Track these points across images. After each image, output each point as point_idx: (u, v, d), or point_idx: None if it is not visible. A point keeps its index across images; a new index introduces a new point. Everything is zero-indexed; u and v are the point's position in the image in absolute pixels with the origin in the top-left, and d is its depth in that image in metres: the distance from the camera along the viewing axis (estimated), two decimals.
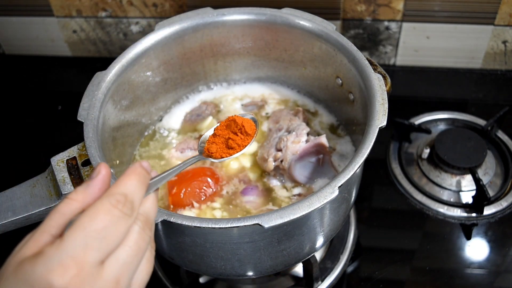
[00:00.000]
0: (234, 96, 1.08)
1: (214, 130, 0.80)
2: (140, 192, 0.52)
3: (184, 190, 0.89)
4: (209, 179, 0.91)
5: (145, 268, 0.53)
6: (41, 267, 0.44)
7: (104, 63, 0.90)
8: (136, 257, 0.50)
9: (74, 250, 0.45)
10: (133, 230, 0.50)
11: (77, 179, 0.77)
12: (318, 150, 0.90)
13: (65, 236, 0.46)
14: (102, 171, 0.52)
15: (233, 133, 0.78)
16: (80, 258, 0.45)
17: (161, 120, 1.05)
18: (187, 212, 0.89)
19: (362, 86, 0.84)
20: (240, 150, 0.77)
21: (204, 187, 0.90)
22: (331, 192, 0.68)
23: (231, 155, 0.77)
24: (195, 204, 0.89)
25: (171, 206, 0.89)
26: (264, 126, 1.02)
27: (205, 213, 0.89)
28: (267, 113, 1.05)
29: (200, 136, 1.01)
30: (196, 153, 0.99)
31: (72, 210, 0.49)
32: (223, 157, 0.77)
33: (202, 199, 0.90)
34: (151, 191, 0.56)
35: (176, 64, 1.01)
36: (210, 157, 0.77)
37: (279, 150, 0.91)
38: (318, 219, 0.77)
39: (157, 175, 0.59)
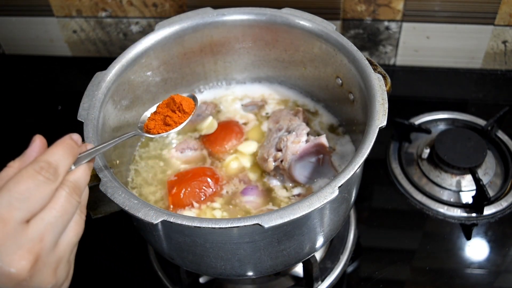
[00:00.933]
0: (234, 96, 1.08)
1: (156, 108, 0.81)
2: (66, 161, 0.57)
3: (184, 190, 0.89)
4: (209, 179, 0.91)
5: (74, 229, 0.56)
6: None
7: (104, 63, 0.90)
8: (61, 218, 0.54)
9: None
10: (60, 195, 0.54)
11: None
12: (318, 150, 0.90)
13: None
14: (37, 141, 0.58)
15: (171, 111, 0.80)
16: (4, 215, 0.49)
17: None
18: (187, 212, 0.89)
19: (362, 86, 0.84)
20: (176, 127, 0.79)
21: (204, 187, 0.90)
22: (331, 192, 0.68)
23: (167, 131, 0.79)
24: (195, 204, 0.89)
25: (171, 206, 0.89)
26: (264, 126, 1.02)
27: (205, 213, 0.89)
28: (267, 113, 1.05)
29: (200, 136, 1.01)
30: (196, 153, 0.99)
31: (8, 175, 0.53)
32: (159, 133, 0.79)
33: (202, 199, 0.90)
34: (83, 162, 0.61)
35: (176, 64, 1.01)
36: (148, 133, 0.79)
37: (279, 150, 0.91)
38: (318, 219, 0.77)
39: (92, 147, 0.64)
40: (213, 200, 0.90)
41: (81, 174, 0.59)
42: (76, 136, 0.61)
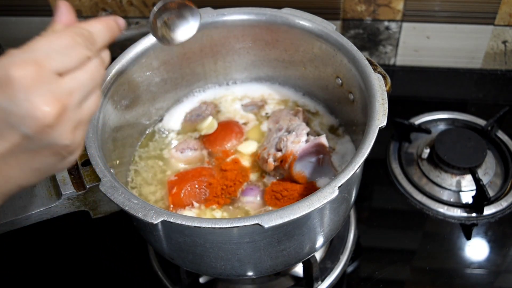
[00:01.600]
0: (234, 96, 1.08)
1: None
2: (105, 37, 0.58)
3: (184, 190, 0.89)
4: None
5: (95, 99, 0.57)
6: (4, 60, 0.49)
7: None
8: (90, 82, 0.55)
9: (37, 54, 0.51)
10: (92, 62, 0.55)
11: (77, 179, 0.77)
12: (318, 150, 0.90)
13: (30, 43, 0.52)
14: (63, 7, 0.59)
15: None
16: (41, 62, 0.50)
17: (161, 120, 1.05)
18: (187, 212, 0.89)
19: (362, 86, 0.84)
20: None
21: (204, 187, 0.90)
22: (331, 192, 0.68)
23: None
24: (195, 204, 0.89)
25: (171, 206, 0.89)
26: (264, 126, 1.02)
27: (204, 213, 0.89)
28: (267, 113, 1.05)
29: (200, 136, 1.01)
30: (196, 153, 0.99)
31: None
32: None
33: (203, 198, 0.90)
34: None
35: (176, 64, 1.00)
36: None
37: (279, 150, 0.91)
38: (318, 219, 0.77)
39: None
40: (212, 200, 0.90)
41: (108, 55, 0.60)
42: (121, 21, 0.62)
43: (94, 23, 0.58)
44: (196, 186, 0.90)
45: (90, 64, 0.55)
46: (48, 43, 0.52)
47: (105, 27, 0.59)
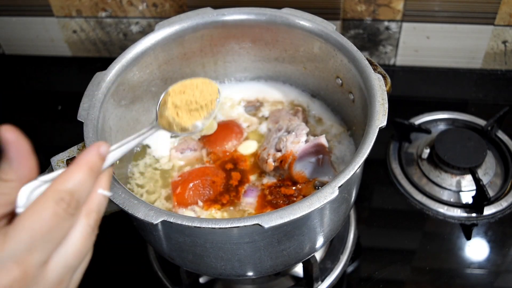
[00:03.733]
0: (234, 96, 1.08)
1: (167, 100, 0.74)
2: (88, 188, 0.50)
3: (188, 189, 0.89)
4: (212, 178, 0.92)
5: (84, 265, 0.52)
6: None
7: (104, 63, 0.90)
8: (81, 255, 0.50)
9: (18, 252, 0.45)
10: (78, 230, 0.49)
11: None
12: (318, 150, 0.90)
13: (9, 236, 0.45)
14: (9, 138, 0.48)
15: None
16: (24, 261, 0.45)
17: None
18: (188, 212, 0.89)
19: (362, 86, 0.84)
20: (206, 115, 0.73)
21: (208, 186, 0.90)
22: (331, 192, 0.68)
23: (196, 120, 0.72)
24: (200, 203, 0.89)
25: (175, 203, 0.89)
26: (264, 126, 1.02)
27: (204, 214, 0.89)
28: (266, 113, 1.05)
29: (200, 136, 1.01)
30: (196, 153, 0.99)
31: (10, 189, 0.48)
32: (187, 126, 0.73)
33: (207, 197, 0.90)
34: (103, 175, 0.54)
35: (176, 64, 1.00)
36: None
37: (279, 150, 0.91)
38: (318, 219, 0.77)
39: (113, 149, 0.57)
40: (216, 199, 0.90)
41: (102, 199, 0.53)
42: (104, 149, 0.53)
43: (75, 175, 0.49)
44: (200, 185, 0.90)
45: (77, 232, 0.49)
46: (28, 233, 0.45)
47: (87, 175, 0.50)
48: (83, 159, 0.51)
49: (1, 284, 0.43)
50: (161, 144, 1.00)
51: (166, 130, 0.72)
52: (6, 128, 0.48)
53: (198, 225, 0.66)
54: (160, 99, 0.74)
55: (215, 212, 0.88)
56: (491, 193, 1.08)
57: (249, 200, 0.90)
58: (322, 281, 0.98)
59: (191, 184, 0.90)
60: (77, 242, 0.49)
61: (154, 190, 0.93)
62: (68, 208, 0.47)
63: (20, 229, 0.45)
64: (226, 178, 0.93)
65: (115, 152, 0.58)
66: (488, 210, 1.07)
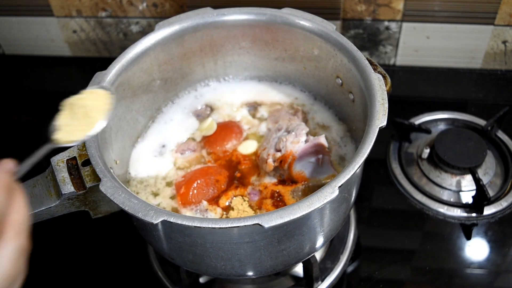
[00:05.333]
0: (234, 96, 1.08)
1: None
2: (3, 204, 0.49)
3: (192, 189, 0.89)
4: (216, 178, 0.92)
5: (18, 285, 0.50)
6: None
7: (104, 63, 0.90)
8: (12, 278, 0.48)
9: None
10: (6, 254, 0.48)
11: (77, 179, 0.77)
12: (318, 150, 0.90)
13: None
14: None
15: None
16: None
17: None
18: (188, 212, 0.89)
19: (362, 86, 0.84)
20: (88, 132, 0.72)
21: (211, 185, 0.90)
22: (331, 192, 0.68)
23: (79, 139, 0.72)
24: (204, 202, 0.89)
25: (180, 203, 0.89)
26: (263, 126, 1.02)
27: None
28: (266, 113, 1.05)
29: (204, 137, 1.01)
30: (196, 153, 0.99)
31: None
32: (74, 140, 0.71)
33: (211, 196, 0.90)
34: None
35: (176, 64, 1.00)
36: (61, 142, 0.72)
37: (279, 150, 0.91)
38: (318, 219, 0.77)
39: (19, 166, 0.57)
40: (219, 197, 0.90)
41: (26, 216, 0.51)
42: (10, 165, 0.54)
43: None
44: (204, 184, 0.90)
45: (4, 259, 0.48)
46: None
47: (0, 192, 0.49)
48: None
49: None
50: (142, 166, 0.97)
51: (58, 145, 0.71)
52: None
53: (198, 225, 0.66)
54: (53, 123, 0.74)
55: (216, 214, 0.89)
56: (491, 193, 1.08)
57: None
58: (322, 281, 0.98)
59: (195, 184, 0.90)
60: (8, 266, 0.48)
61: (157, 192, 0.93)
62: None
63: None
64: (229, 177, 0.93)
65: (22, 168, 0.59)
66: (488, 210, 1.07)
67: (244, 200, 0.89)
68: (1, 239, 0.48)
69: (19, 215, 0.51)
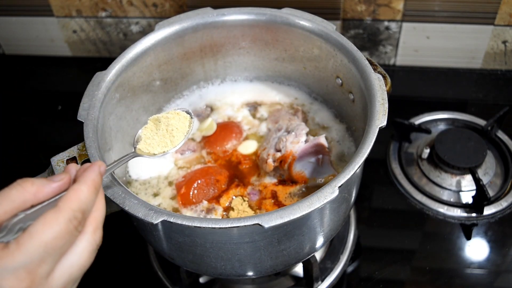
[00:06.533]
0: (234, 96, 1.08)
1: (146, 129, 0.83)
2: (92, 203, 0.55)
3: (192, 189, 0.89)
4: (216, 178, 0.92)
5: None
6: None
7: (104, 63, 0.90)
8: (84, 268, 0.54)
9: (29, 262, 0.47)
10: (84, 245, 0.53)
11: None
12: (318, 150, 0.90)
13: (22, 245, 0.47)
14: (65, 180, 0.54)
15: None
16: (34, 271, 0.47)
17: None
18: (188, 212, 0.89)
19: (362, 86, 0.84)
20: (171, 148, 0.81)
21: (212, 185, 0.90)
22: (331, 192, 0.68)
23: (163, 153, 0.80)
24: (204, 202, 0.89)
25: (180, 203, 0.89)
26: (263, 126, 1.02)
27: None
28: (265, 113, 1.05)
29: (203, 137, 1.01)
30: (196, 154, 0.99)
31: (22, 201, 0.51)
32: (155, 154, 0.80)
33: (211, 196, 0.90)
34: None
35: (176, 64, 1.01)
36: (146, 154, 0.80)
37: (279, 150, 0.91)
38: (318, 219, 0.77)
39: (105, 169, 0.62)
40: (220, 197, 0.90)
41: (101, 208, 0.57)
42: (103, 168, 0.59)
43: (84, 194, 0.53)
44: (204, 184, 0.90)
45: (81, 242, 0.53)
46: (41, 246, 0.48)
47: (93, 193, 0.54)
48: (89, 178, 0.55)
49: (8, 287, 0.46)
50: (143, 166, 0.98)
51: (141, 156, 0.80)
52: (68, 177, 0.55)
53: (198, 225, 0.66)
54: (137, 134, 0.83)
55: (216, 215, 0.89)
56: (491, 193, 1.08)
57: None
58: (322, 281, 0.98)
59: (195, 184, 0.90)
60: (84, 256, 0.53)
61: (158, 192, 0.93)
62: (78, 224, 0.51)
63: (33, 241, 0.48)
64: (229, 177, 0.93)
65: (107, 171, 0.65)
66: (488, 210, 1.07)
67: (244, 200, 0.89)
68: (83, 233, 0.53)
69: (100, 212, 0.56)
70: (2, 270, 0.46)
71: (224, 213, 0.88)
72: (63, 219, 0.50)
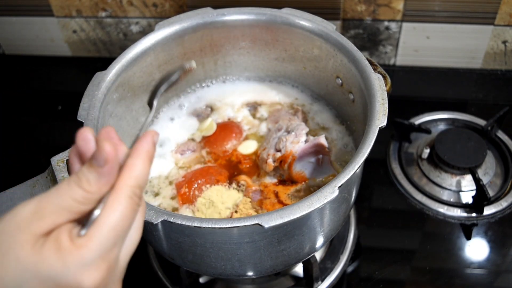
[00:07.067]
0: (234, 96, 1.08)
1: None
2: (148, 174, 0.52)
3: (193, 188, 0.89)
4: (216, 177, 0.92)
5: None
6: (72, 267, 0.45)
7: (104, 63, 0.90)
8: (139, 238, 0.54)
9: (104, 250, 0.47)
10: (138, 218, 0.52)
11: None
12: (318, 150, 0.90)
13: (93, 237, 0.46)
14: (110, 156, 0.47)
15: None
16: (108, 257, 0.47)
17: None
18: (188, 212, 0.89)
19: (362, 86, 0.84)
20: None
21: (212, 184, 0.90)
22: (331, 192, 0.68)
23: None
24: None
25: (181, 203, 0.89)
26: (263, 126, 1.02)
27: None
28: (265, 113, 1.05)
29: (203, 137, 1.01)
30: (196, 154, 0.99)
31: (89, 200, 0.48)
32: None
33: None
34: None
35: (176, 64, 1.00)
36: None
37: (279, 150, 0.91)
38: (318, 219, 0.77)
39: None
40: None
41: (147, 177, 0.53)
42: (157, 138, 0.54)
43: (141, 167, 0.50)
44: (204, 184, 0.90)
45: (138, 220, 0.53)
46: (112, 231, 0.47)
47: (148, 164, 0.51)
48: (143, 149, 0.51)
49: (95, 282, 0.46)
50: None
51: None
52: (108, 145, 0.47)
53: (198, 225, 0.66)
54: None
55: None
56: (491, 193, 1.08)
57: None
58: (322, 281, 0.98)
59: (195, 184, 0.90)
60: (139, 229, 0.53)
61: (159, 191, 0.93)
62: (138, 200, 0.50)
63: (103, 229, 0.47)
64: (229, 177, 0.93)
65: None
66: (488, 210, 1.07)
67: (248, 201, 0.89)
68: (140, 209, 0.52)
69: (146, 181, 0.53)
70: (78, 265, 0.45)
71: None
72: (123, 199, 0.48)
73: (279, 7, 0.96)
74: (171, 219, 0.67)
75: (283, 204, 0.88)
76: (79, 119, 0.80)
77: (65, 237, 0.46)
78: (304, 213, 0.66)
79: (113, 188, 0.49)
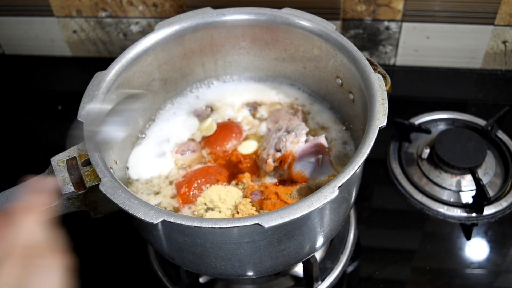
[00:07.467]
0: (234, 96, 1.08)
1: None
2: (39, 231, 0.56)
3: (192, 188, 0.89)
4: (215, 177, 0.92)
5: None
6: None
7: (104, 63, 0.90)
8: None
9: None
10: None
11: (77, 179, 0.77)
12: (318, 150, 0.90)
13: None
14: None
15: None
16: None
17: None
18: (188, 211, 0.89)
19: (362, 86, 0.84)
20: None
21: (212, 184, 0.91)
22: (331, 192, 0.68)
23: None
24: None
25: (181, 203, 0.89)
26: (263, 126, 1.02)
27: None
28: (265, 113, 1.05)
29: (203, 137, 1.01)
30: (196, 154, 0.99)
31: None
32: None
33: None
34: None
35: (176, 64, 1.00)
36: None
37: (279, 150, 0.91)
38: (318, 219, 0.77)
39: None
40: None
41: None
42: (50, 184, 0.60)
43: (27, 227, 0.56)
44: (204, 184, 0.90)
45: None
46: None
47: (34, 221, 0.56)
48: (29, 206, 0.58)
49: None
50: (143, 166, 0.98)
51: None
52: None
53: (198, 225, 0.66)
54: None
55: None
56: (491, 193, 1.08)
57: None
58: (322, 281, 0.98)
59: (195, 184, 0.90)
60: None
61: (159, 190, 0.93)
62: (26, 261, 0.53)
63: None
64: (229, 176, 0.93)
65: None
66: (488, 210, 1.07)
67: (248, 202, 0.89)
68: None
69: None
70: None
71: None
72: (12, 261, 0.52)
73: (279, 7, 0.96)
74: (171, 219, 0.67)
75: (285, 203, 0.88)
76: (79, 119, 0.80)
77: None
78: (304, 213, 0.66)
79: None
